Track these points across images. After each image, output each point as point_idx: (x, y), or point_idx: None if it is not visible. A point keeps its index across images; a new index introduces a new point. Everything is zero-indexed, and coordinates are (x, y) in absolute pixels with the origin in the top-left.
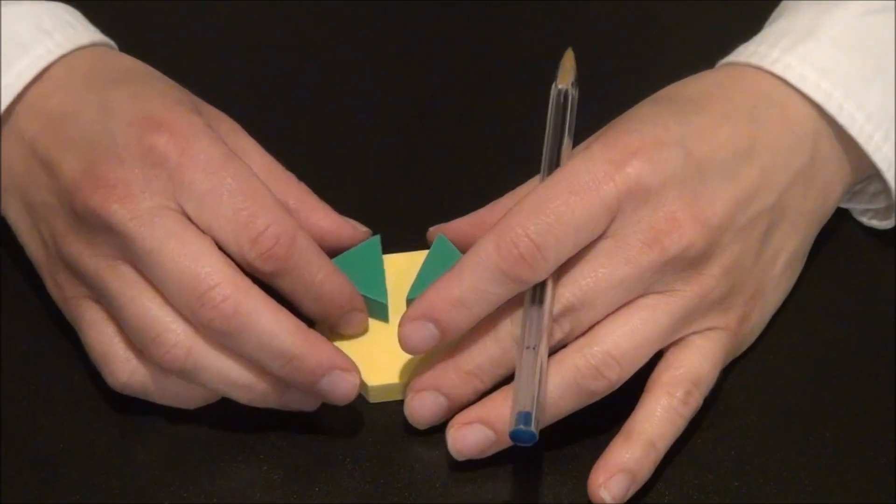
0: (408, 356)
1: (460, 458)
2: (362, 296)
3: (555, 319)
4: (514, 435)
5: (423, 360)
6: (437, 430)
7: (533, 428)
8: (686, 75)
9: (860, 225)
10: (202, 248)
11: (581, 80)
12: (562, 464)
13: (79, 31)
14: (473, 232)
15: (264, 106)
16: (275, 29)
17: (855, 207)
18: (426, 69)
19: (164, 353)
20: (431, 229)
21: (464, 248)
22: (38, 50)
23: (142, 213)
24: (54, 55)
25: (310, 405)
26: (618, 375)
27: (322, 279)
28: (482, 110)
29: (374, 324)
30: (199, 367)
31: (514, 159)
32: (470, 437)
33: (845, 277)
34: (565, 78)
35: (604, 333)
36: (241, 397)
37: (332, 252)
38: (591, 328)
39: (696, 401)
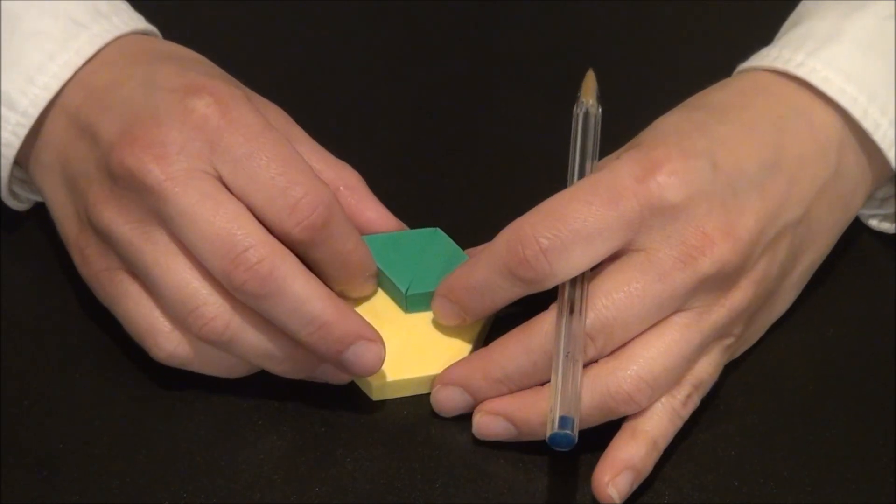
0: (412, 353)
1: (481, 439)
2: (390, 279)
3: (589, 335)
4: (554, 439)
5: (429, 357)
6: (437, 430)
7: (575, 433)
8: (697, 76)
9: (860, 225)
10: (237, 211)
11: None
12: (561, 464)
13: (133, 17)
14: None
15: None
16: (277, 28)
17: (863, 212)
18: (429, 70)
19: (202, 325)
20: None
21: None
22: (95, 29)
23: (177, 173)
24: (112, 34)
25: (342, 377)
26: (648, 400)
27: (351, 249)
28: (486, 110)
29: (378, 322)
30: (236, 339)
31: (517, 159)
32: (493, 427)
33: (845, 277)
34: (588, 97)
35: (636, 355)
36: (275, 368)
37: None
38: (622, 346)
39: (694, 403)
